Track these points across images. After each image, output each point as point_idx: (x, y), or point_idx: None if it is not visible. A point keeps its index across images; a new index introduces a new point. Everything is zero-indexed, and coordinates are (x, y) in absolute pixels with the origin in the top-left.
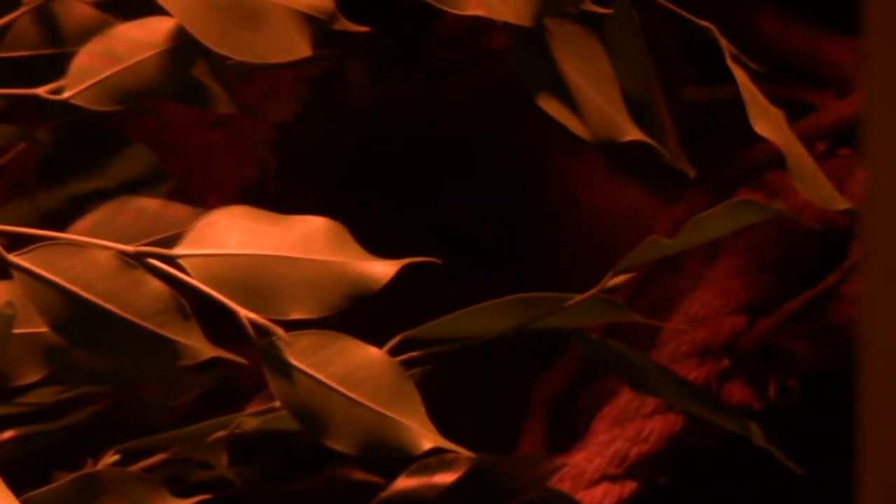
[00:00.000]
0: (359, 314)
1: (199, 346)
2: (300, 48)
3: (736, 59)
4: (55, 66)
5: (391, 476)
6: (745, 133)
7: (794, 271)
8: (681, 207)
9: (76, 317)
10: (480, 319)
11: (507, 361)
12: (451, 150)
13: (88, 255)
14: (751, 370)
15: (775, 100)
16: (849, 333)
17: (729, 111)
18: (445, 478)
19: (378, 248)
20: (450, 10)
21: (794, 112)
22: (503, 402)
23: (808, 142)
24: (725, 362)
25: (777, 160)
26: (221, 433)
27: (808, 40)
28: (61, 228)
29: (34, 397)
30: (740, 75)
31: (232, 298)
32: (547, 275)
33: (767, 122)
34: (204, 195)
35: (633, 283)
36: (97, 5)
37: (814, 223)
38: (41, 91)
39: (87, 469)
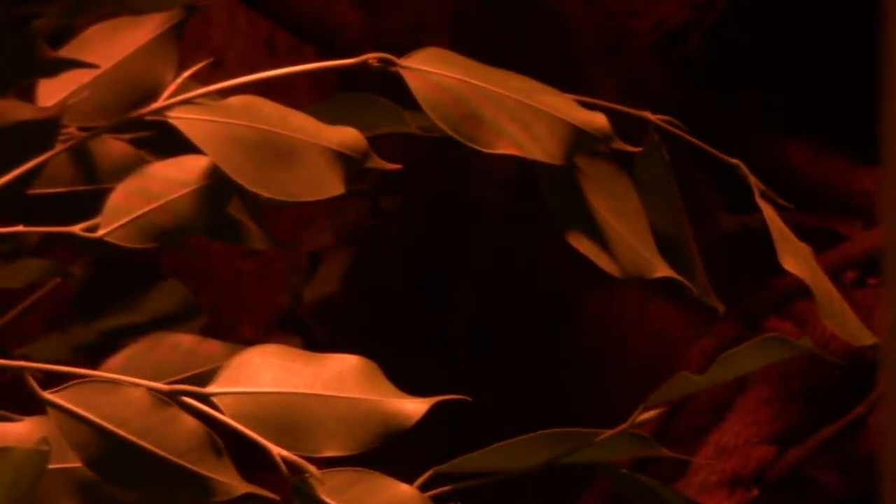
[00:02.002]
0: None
1: (232, 482)
2: (333, 186)
3: (765, 196)
4: (91, 203)
5: None
6: (775, 259)
7: (823, 401)
8: (709, 339)
9: (110, 453)
10: (510, 454)
11: (536, 494)
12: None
13: (122, 392)
14: (780, 500)
15: (806, 229)
16: (877, 464)
17: (760, 238)
18: None
19: (411, 379)
20: (482, 149)
21: (825, 241)
22: None
23: (838, 271)
24: (755, 492)
25: (806, 290)
26: None
27: (840, 171)
28: (96, 362)
29: None
30: (769, 212)
31: (265, 436)
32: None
33: (795, 258)
34: (237, 324)
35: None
36: (132, 142)
37: (841, 354)
38: (76, 229)
39: None
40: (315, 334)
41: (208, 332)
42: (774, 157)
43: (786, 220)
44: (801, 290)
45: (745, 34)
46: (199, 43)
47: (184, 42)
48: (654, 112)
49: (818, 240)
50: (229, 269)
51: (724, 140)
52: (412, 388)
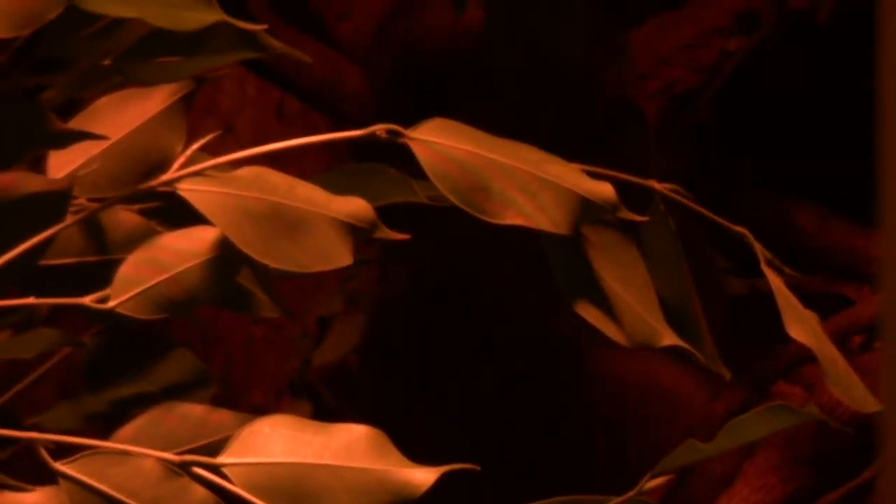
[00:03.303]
0: None
1: None
2: (342, 257)
3: (771, 264)
4: (101, 273)
5: None
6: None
7: (831, 465)
8: (718, 403)
9: None
10: None
11: None
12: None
13: (133, 463)
14: None
15: (813, 294)
16: None
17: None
18: None
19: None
20: (488, 219)
21: (833, 305)
22: None
23: (845, 335)
24: None
25: (813, 355)
26: None
27: (847, 236)
28: (107, 431)
29: None
30: (775, 280)
31: None
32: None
33: (801, 326)
34: (247, 389)
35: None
36: (142, 212)
37: (848, 419)
38: (87, 301)
39: None
40: (324, 400)
41: (219, 397)
42: (782, 222)
43: (793, 285)
44: (809, 355)
45: (752, 99)
46: (208, 109)
47: (193, 108)
48: (662, 178)
49: (825, 304)
50: (240, 335)
51: (732, 203)
52: (423, 453)
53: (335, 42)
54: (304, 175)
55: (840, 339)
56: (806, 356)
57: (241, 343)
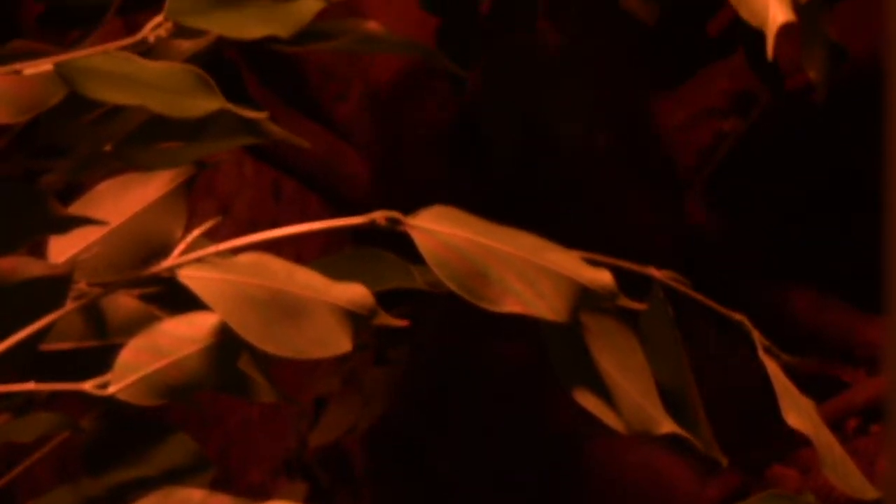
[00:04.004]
0: None
1: None
2: (341, 343)
3: (768, 351)
4: (100, 358)
5: None
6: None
7: None
8: (714, 489)
9: None
10: None
11: None
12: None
13: None
14: None
15: (809, 376)
16: None
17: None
18: None
19: None
20: (487, 307)
21: (829, 389)
22: None
23: (841, 419)
24: None
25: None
26: None
27: (843, 320)
28: None
29: None
30: (772, 367)
31: None
32: None
33: (798, 413)
34: (245, 468)
35: None
36: (141, 297)
37: (845, 502)
38: (87, 387)
39: None
40: (320, 480)
41: (217, 476)
42: (778, 304)
43: (788, 367)
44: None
45: (748, 181)
46: (206, 190)
47: (191, 190)
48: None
49: (821, 387)
50: (237, 415)
51: (727, 285)
52: None
53: (332, 123)
54: (300, 255)
55: (835, 423)
56: (802, 440)
57: (238, 423)
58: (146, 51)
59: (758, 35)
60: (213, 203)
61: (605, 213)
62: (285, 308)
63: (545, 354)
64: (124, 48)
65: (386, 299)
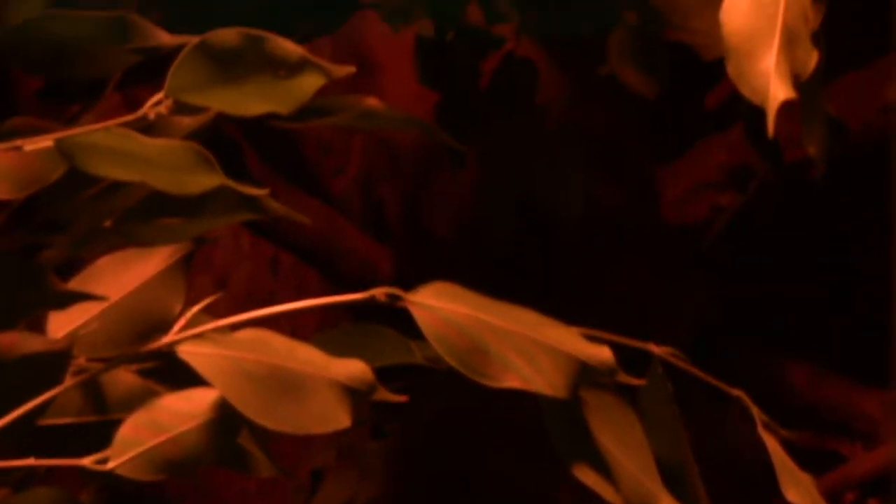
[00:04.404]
0: None
1: None
2: (340, 419)
3: (767, 426)
4: (99, 433)
5: None
6: None
7: None
8: None
9: None
10: None
11: None
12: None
13: None
14: None
15: (807, 450)
16: None
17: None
18: None
19: None
20: (487, 383)
21: (826, 462)
22: None
23: (839, 492)
24: None
25: None
26: None
27: (840, 393)
28: None
29: None
30: (771, 443)
31: None
32: None
33: (797, 489)
34: None
35: None
36: (140, 372)
37: None
38: (86, 462)
39: None
40: None
41: None
42: (775, 377)
43: (786, 441)
44: None
45: (745, 255)
46: (204, 264)
47: (190, 265)
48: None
49: (818, 461)
50: (234, 488)
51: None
52: None
53: (329, 197)
54: (297, 328)
55: (834, 497)
56: None
57: (235, 495)
58: (146, 127)
59: (757, 111)
60: (210, 276)
61: (604, 289)
62: (285, 384)
63: (544, 439)
64: (124, 125)
65: (384, 372)
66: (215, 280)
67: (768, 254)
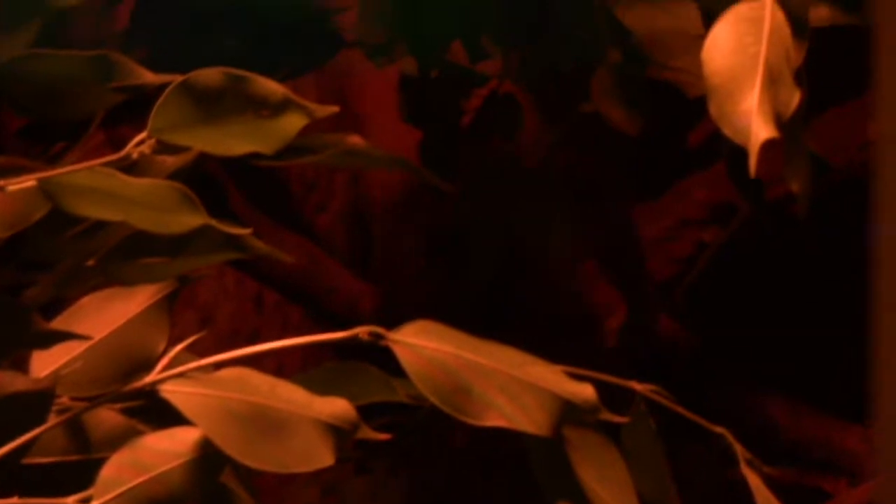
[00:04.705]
0: None
1: None
2: (324, 458)
3: (750, 464)
4: (83, 472)
5: None
6: None
7: None
8: None
9: None
10: None
11: None
12: None
13: None
14: None
15: (790, 487)
16: None
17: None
18: None
19: None
20: (470, 421)
21: (810, 500)
22: None
23: None
24: None
25: None
26: None
27: (822, 430)
28: None
29: None
30: (754, 480)
31: None
32: None
33: None
34: None
35: None
36: (124, 411)
37: None
38: (70, 502)
39: None
40: None
41: None
42: (757, 414)
43: (769, 478)
44: None
45: (727, 291)
46: (187, 301)
47: (173, 304)
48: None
49: (802, 497)
50: None
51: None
52: None
53: (313, 233)
54: (282, 364)
55: None
56: None
57: None
58: (130, 166)
59: (739, 149)
60: (194, 313)
61: (585, 324)
62: (268, 422)
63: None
64: (108, 164)
65: (368, 409)
66: (199, 317)
67: (750, 290)
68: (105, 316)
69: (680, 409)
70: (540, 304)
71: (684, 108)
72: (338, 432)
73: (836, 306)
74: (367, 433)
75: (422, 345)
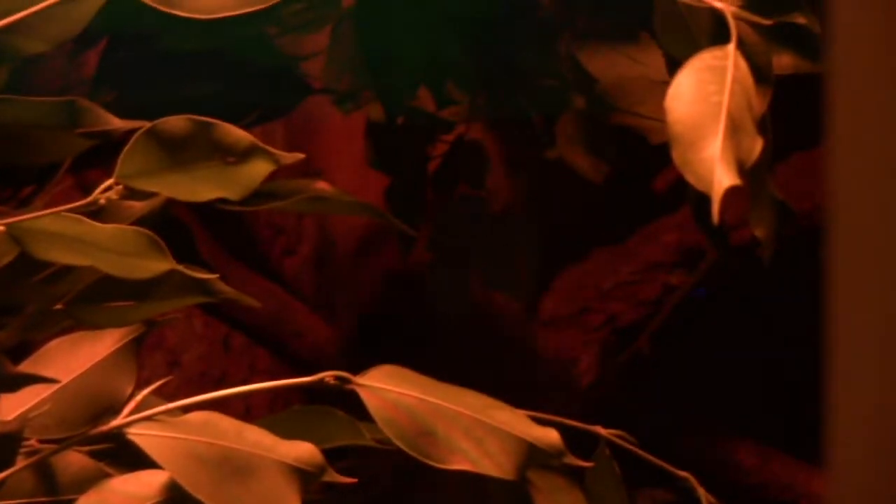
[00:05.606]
0: None
1: None
2: (289, 500)
3: None
4: None
5: None
6: None
7: None
8: None
9: None
10: None
11: None
12: None
13: None
14: None
15: None
16: None
17: None
18: None
19: None
20: (434, 464)
21: None
22: None
23: None
24: None
25: None
26: None
27: (788, 472)
28: None
29: None
30: None
31: None
32: None
33: None
34: None
35: None
36: (91, 453)
37: None
38: None
39: None
40: None
41: None
42: (721, 458)
43: None
44: None
45: (692, 336)
46: (155, 343)
47: (141, 347)
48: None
49: None
50: None
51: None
52: None
53: (281, 277)
54: (250, 406)
55: None
56: None
57: None
58: (97, 211)
59: (703, 196)
60: (162, 356)
61: (548, 370)
62: (234, 466)
63: None
64: (75, 210)
65: (334, 452)
66: (168, 359)
67: (715, 333)
68: (73, 359)
69: (645, 454)
70: (503, 350)
71: (652, 151)
72: (303, 475)
73: (802, 350)
74: (333, 476)
75: (387, 389)
